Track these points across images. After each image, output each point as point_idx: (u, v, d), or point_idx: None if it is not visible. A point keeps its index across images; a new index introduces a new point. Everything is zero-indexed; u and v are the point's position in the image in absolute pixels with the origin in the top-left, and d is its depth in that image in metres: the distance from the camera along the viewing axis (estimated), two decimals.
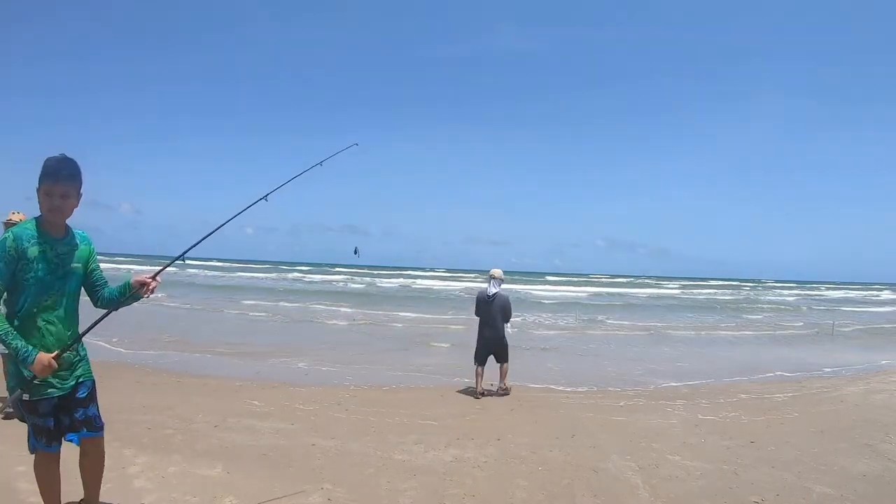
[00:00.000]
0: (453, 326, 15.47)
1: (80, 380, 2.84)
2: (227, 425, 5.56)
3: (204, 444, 4.91)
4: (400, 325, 16.23)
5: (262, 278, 41.81)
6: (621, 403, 7.26)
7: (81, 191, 2.77)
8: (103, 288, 2.97)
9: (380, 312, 19.49)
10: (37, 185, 2.68)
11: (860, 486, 4.40)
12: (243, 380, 7.88)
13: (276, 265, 67.77)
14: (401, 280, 45.90)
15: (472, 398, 7.43)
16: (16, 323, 2.61)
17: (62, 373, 2.72)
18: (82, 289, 2.93)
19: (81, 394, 2.83)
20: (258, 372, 8.64)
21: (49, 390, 2.69)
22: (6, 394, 2.76)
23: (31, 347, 2.56)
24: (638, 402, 7.41)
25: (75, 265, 2.79)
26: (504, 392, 7.64)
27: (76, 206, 2.76)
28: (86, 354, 2.91)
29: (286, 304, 22.08)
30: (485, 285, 8.04)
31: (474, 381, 7.62)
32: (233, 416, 5.86)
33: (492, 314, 7.76)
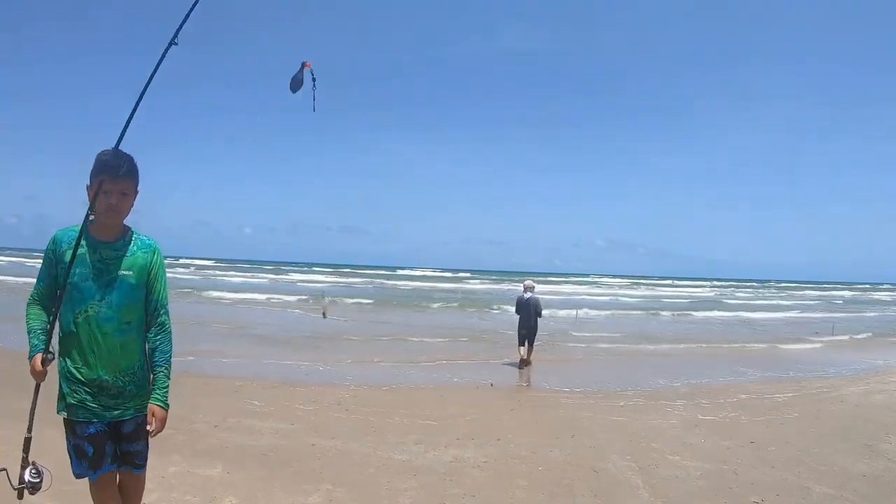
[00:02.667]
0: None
1: (130, 415, 2.43)
2: (227, 425, 5.55)
3: (204, 444, 4.91)
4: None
5: (256, 279, 41.81)
6: (621, 403, 7.26)
7: (138, 188, 2.42)
8: (155, 317, 2.45)
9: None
10: (87, 183, 2.35)
11: (860, 486, 4.40)
12: (243, 380, 7.87)
13: (276, 265, 67.85)
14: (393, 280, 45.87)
15: (471, 398, 7.45)
16: (60, 334, 2.36)
17: (105, 399, 2.36)
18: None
19: (128, 429, 2.44)
20: (258, 372, 8.63)
21: (85, 415, 2.34)
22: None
23: (39, 347, 2.28)
24: (638, 402, 7.41)
25: (124, 272, 2.36)
26: (528, 363, 10.10)
27: (133, 205, 2.42)
28: (142, 386, 2.46)
29: (282, 307, 22.08)
30: (519, 288, 11.11)
31: (518, 356, 10.27)
32: (233, 416, 5.86)
33: (528, 311, 10.36)
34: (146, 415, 2.43)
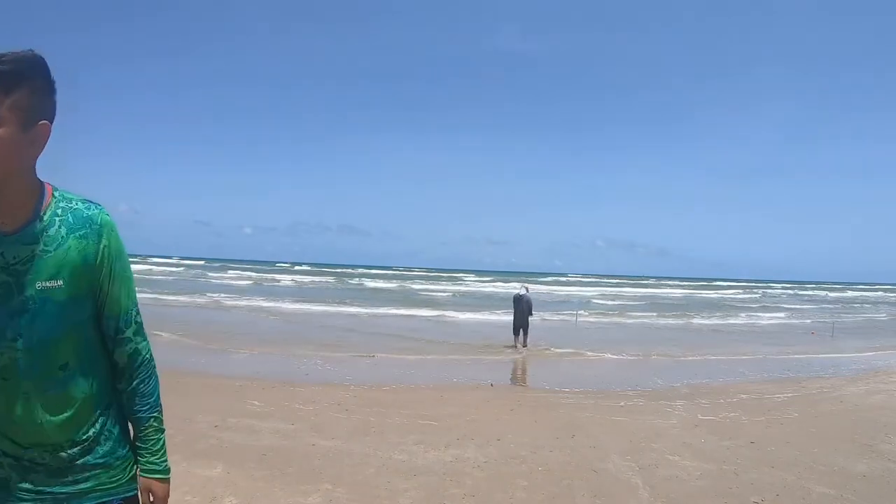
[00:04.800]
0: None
1: (89, 497, 1.36)
2: (227, 425, 5.55)
3: (204, 444, 4.91)
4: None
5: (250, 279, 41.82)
6: (621, 403, 7.26)
7: (47, 114, 1.21)
8: (122, 343, 1.40)
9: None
10: None
11: (860, 486, 4.40)
12: (243, 380, 7.87)
13: (274, 265, 67.95)
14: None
15: (471, 398, 7.46)
16: None
17: (42, 478, 1.32)
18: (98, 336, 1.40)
19: None
20: (258, 372, 8.63)
21: (6, 499, 1.32)
22: None
23: None
24: (638, 402, 7.41)
25: (45, 284, 1.26)
26: (524, 348, 12.26)
27: (36, 148, 1.22)
28: (110, 454, 1.39)
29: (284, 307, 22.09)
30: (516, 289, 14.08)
31: (513, 344, 12.57)
32: (233, 416, 5.86)
33: (521, 307, 12.60)
34: (125, 498, 1.42)
